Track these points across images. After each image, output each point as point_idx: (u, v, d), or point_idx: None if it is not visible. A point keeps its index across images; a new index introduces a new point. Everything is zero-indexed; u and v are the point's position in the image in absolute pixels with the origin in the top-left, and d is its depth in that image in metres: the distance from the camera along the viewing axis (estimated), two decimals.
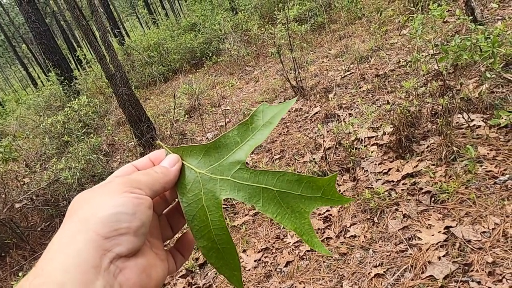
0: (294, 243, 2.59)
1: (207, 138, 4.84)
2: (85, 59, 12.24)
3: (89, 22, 13.42)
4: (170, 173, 0.45)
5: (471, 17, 3.95)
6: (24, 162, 5.69)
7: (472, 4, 4.23)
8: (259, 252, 2.66)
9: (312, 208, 0.43)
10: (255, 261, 2.60)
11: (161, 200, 0.48)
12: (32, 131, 7.37)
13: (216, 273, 2.63)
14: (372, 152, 3.09)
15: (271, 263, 2.52)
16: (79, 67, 17.61)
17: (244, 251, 2.73)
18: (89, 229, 0.35)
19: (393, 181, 2.70)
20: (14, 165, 5.06)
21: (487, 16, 4.35)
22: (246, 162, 0.45)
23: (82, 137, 5.19)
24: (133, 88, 5.39)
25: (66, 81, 10.00)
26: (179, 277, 2.74)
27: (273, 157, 3.75)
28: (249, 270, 2.54)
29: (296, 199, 0.43)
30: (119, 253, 0.36)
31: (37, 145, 6.61)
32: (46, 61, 10.85)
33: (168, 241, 0.49)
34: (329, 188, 0.43)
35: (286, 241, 2.64)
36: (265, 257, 2.60)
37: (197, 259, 2.83)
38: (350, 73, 4.86)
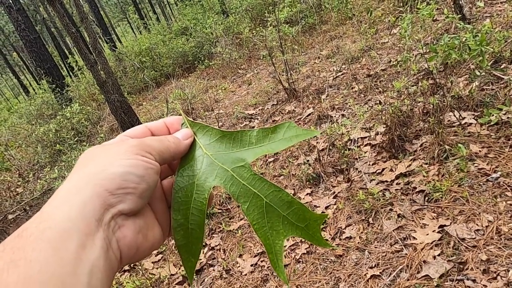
0: (290, 246, 2.59)
1: None
2: (76, 66, 12.18)
3: (80, 28, 13.36)
4: (182, 145, 0.46)
5: (459, 15, 3.99)
6: (17, 172, 5.63)
7: (460, 2, 4.26)
8: (255, 256, 2.66)
9: (289, 234, 0.43)
10: (251, 265, 2.59)
11: (167, 168, 0.50)
12: (25, 140, 7.31)
13: (212, 279, 2.62)
14: (365, 152, 3.10)
15: (267, 267, 2.52)
16: (71, 74, 17.52)
17: (240, 255, 2.73)
18: (97, 183, 0.36)
19: (387, 181, 2.71)
20: (7, 175, 5.02)
21: (476, 14, 4.39)
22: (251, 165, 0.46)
23: (75, 145, 5.15)
24: (125, 94, 5.38)
25: (58, 88, 9.95)
26: (176, 284, 2.72)
27: (267, 159, 3.75)
28: (245, 274, 2.53)
29: (279, 218, 0.43)
30: (121, 210, 0.37)
31: (29, 155, 6.55)
32: (38, 69, 10.79)
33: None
34: (315, 224, 0.43)
35: None
36: (262, 261, 2.60)
37: None
38: (342, 74, 4.87)
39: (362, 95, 4.04)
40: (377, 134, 3.21)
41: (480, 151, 2.52)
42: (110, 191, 0.36)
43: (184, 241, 0.44)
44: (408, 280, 1.98)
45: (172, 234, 0.44)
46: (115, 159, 0.39)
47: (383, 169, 2.84)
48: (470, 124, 2.80)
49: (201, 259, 2.84)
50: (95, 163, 0.38)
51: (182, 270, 2.79)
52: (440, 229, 2.15)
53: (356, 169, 2.99)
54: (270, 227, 0.44)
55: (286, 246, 2.60)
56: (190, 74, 9.17)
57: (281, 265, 0.43)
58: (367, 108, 3.67)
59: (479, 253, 1.92)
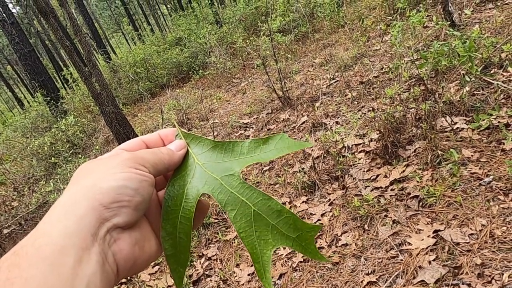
0: (286, 254, 2.59)
1: None
2: (71, 78, 12.19)
3: (74, 41, 13.38)
4: (175, 156, 0.47)
5: (449, 22, 4.05)
6: (12, 186, 5.60)
7: (449, 9, 4.33)
8: (252, 265, 2.65)
9: (279, 244, 0.42)
10: (248, 275, 2.59)
11: (163, 179, 0.50)
12: (20, 154, 7.28)
13: None
14: (359, 159, 3.12)
15: None
16: (65, 86, 17.52)
17: (237, 265, 2.72)
18: (92, 197, 0.36)
19: (381, 187, 2.72)
20: (2, 189, 4.99)
21: (465, 20, 4.46)
22: (243, 177, 0.46)
23: (70, 158, 5.14)
24: (120, 105, 5.39)
25: (52, 101, 9.94)
26: None
27: (262, 168, 3.76)
28: (243, 284, 2.53)
29: (268, 227, 0.43)
30: (116, 224, 0.38)
31: (24, 168, 6.52)
32: (32, 81, 10.78)
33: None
34: (307, 235, 0.42)
35: (278, 253, 2.64)
36: None
37: (190, 276, 2.80)
38: (335, 81, 4.91)
39: (356, 102, 4.08)
40: (371, 140, 3.23)
41: (472, 155, 2.55)
42: (105, 205, 0.36)
43: (173, 250, 0.44)
44: (404, 286, 1.99)
45: (161, 243, 0.44)
46: (109, 173, 0.39)
47: (377, 176, 2.86)
48: (462, 129, 2.83)
49: (198, 270, 2.83)
50: (89, 178, 0.39)
51: None
52: (435, 234, 2.17)
53: (351, 176, 3.01)
54: (258, 236, 0.43)
55: (282, 255, 2.60)
56: (185, 84, 9.20)
57: (268, 276, 0.42)
58: (361, 115, 3.71)
59: (473, 257, 1.93)
